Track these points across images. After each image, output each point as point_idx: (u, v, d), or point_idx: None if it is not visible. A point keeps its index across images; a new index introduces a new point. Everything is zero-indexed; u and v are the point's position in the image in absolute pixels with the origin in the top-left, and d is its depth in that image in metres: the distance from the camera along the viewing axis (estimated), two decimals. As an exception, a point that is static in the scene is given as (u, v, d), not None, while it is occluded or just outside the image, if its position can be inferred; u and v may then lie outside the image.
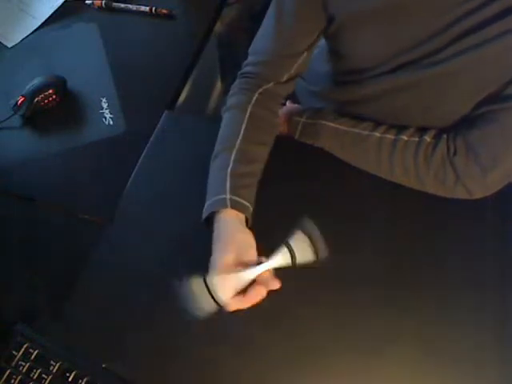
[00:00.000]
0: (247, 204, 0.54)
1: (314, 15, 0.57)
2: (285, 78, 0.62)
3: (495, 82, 0.50)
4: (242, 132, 0.58)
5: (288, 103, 0.78)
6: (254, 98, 0.60)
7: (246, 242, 0.52)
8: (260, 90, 0.61)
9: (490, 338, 0.54)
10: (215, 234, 0.52)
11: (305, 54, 0.61)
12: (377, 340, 0.54)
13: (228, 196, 0.53)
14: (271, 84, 0.61)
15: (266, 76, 0.61)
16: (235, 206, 0.53)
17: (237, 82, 0.63)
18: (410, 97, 0.58)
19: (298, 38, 0.59)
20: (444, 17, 0.48)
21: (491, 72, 0.50)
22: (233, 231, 0.52)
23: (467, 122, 0.56)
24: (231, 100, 0.62)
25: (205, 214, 0.54)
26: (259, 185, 0.58)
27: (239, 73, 0.64)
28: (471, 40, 0.47)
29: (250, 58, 0.63)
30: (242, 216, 0.54)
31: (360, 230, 0.60)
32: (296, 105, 0.77)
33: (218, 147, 0.59)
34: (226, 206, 0.53)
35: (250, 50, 0.63)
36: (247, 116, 0.59)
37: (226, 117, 0.61)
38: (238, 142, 0.57)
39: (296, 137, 0.68)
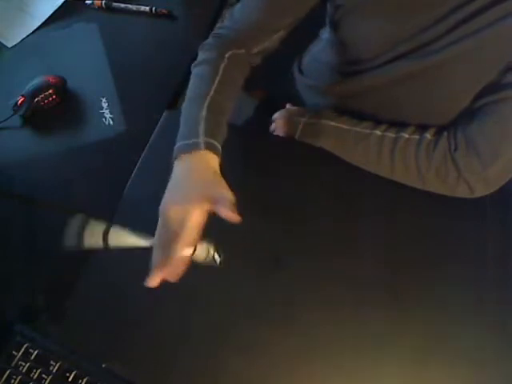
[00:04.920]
0: (219, 147, 0.53)
1: None
2: (255, 51, 0.62)
3: (494, 69, 0.50)
4: (215, 84, 0.57)
5: (288, 105, 0.78)
6: (227, 56, 0.60)
7: (217, 180, 0.50)
8: (230, 53, 0.60)
9: (490, 338, 0.54)
10: (188, 168, 0.52)
11: (281, 31, 0.60)
12: (377, 340, 0.54)
13: (201, 139, 0.52)
14: (242, 51, 0.61)
15: (238, 43, 0.61)
16: (209, 147, 0.52)
17: (209, 40, 0.63)
18: (411, 88, 0.59)
19: (282, 14, 0.59)
20: (445, 4, 0.48)
21: (490, 58, 0.50)
22: (215, 171, 0.51)
23: (467, 117, 0.56)
24: (203, 56, 0.61)
25: (176, 155, 0.53)
26: (258, 184, 0.58)
27: (212, 33, 0.63)
28: (470, 26, 0.48)
29: (226, 22, 0.62)
30: (215, 160, 0.52)
31: (360, 229, 0.60)
32: (296, 106, 0.77)
33: (189, 94, 0.58)
34: (199, 148, 0.51)
35: (228, 15, 0.63)
36: (221, 71, 0.58)
37: (197, 70, 0.60)
38: (212, 92, 0.56)
39: (297, 137, 0.68)
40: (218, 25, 0.64)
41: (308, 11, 0.59)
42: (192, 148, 0.52)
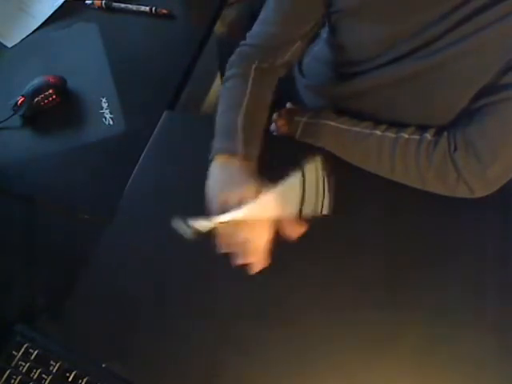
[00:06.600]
0: (255, 157, 0.56)
1: (312, 4, 0.58)
2: (278, 63, 0.63)
3: (494, 68, 0.50)
4: (247, 95, 0.60)
5: (288, 104, 0.78)
6: (253, 69, 0.62)
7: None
8: (255, 66, 0.62)
9: (490, 338, 0.54)
10: (227, 173, 0.54)
11: (298, 42, 0.62)
12: (377, 340, 0.54)
13: (240, 148, 0.55)
14: (265, 64, 0.63)
15: (261, 58, 0.63)
16: (247, 158, 0.54)
17: (233, 57, 0.65)
18: (410, 90, 0.59)
19: (294, 25, 0.61)
20: (444, 4, 0.48)
21: (490, 57, 0.50)
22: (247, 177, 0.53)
23: (466, 118, 0.56)
24: (231, 71, 0.63)
25: (213, 155, 0.56)
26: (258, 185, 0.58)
27: (236, 50, 0.65)
28: (470, 26, 0.48)
29: (247, 40, 0.65)
30: (251, 169, 0.55)
31: (360, 230, 0.60)
32: (296, 106, 0.77)
33: (223, 106, 0.60)
34: (237, 155, 0.54)
35: (248, 33, 0.65)
36: (250, 83, 0.61)
37: (228, 84, 0.63)
38: (245, 102, 0.59)
39: (297, 137, 0.68)
40: (241, 42, 0.66)
41: (321, 20, 0.61)
42: (230, 152, 0.55)
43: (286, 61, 0.64)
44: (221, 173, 0.55)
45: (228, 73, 0.64)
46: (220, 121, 0.59)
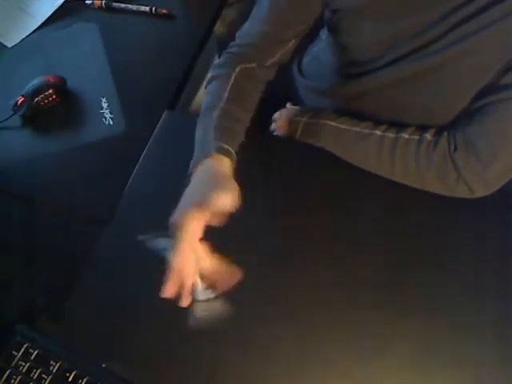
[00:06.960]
0: (232, 151, 0.53)
1: (311, 3, 0.58)
2: (268, 63, 0.62)
3: (494, 68, 0.50)
4: (226, 93, 0.58)
5: (288, 105, 0.78)
6: (238, 70, 0.60)
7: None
8: (242, 67, 0.61)
9: (490, 338, 0.54)
10: (202, 175, 0.51)
11: (292, 41, 0.61)
12: (377, 340, 0.54)
13: (212, 145, 0.52)
14: (254, 64, 0.61)
15: (251, 57, 0.61)
16: (221, 151, 0.52)
17: (221, 58, 0.63)
18: (411, 90, 0.59)
19: (289, 24, 0.59)
20: (444, 4, 0.48)
21: (490, 57, 0.50)
22: (223, 175, 0.51)
23: (466, 117, 0.56)
24: (215, 72, 0.62)
25: (190, 170, 0.53)
26: (258, 184, 0.58)
27: (224, 51, 0.64)
28: (470, 26, 0.48)
29: (236, 41, 0.63)
30: (227, 163, 0.52)
31: (360, 229, 0.60)
32: (296, 106, 0.77)
33: (202, 110, 0.59)
34: (211, 154, 0.51)
35: (238, 33, 0.63)
36: (231, 83, 0.59)
37: (209, 87, 0.61)
38: (222, 103, 0.57)
39: (297, 137, 0.68)
40: (230, 43, 0.64)
41: (315, 19, 0.60)
42: (204, 157, 0.52)
43: (276, 61, 0.62)
44: (192, 182, 0.51)
45: (211, 75, 0.62)
46: (198, 128, 0.58)
